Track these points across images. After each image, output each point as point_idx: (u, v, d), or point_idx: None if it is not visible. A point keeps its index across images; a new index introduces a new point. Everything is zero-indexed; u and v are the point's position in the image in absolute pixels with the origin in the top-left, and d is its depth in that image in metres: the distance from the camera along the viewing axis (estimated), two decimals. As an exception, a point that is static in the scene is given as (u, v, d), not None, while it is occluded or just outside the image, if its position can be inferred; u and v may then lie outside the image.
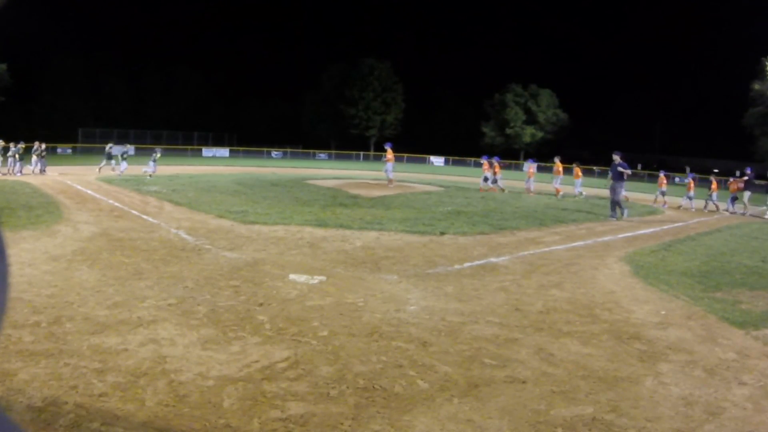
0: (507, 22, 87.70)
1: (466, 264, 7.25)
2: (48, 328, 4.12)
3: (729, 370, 4.03)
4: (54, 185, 15.54)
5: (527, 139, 58.23)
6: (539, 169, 23.05)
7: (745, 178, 18.95)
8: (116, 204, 11.75)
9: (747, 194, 18.98)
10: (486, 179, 21.29)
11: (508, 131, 58.19)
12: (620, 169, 13.95)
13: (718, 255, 9.13)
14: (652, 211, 16.73)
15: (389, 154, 20.10)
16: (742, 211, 18.64)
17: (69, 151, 40.07)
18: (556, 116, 59.54)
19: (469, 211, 13.20)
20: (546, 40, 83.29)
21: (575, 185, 20.66)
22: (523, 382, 3.63)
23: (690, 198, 19.08)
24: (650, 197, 21.20)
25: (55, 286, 5.24)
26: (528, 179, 21.48)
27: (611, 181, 14.12)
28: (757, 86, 42.64)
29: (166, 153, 42.86)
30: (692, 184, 19.26)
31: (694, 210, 18.71)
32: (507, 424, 3.07)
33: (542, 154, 58.11)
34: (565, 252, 8.62)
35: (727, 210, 18.83)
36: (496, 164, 21.36)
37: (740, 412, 3.37)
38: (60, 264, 6.17)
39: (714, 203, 19.06)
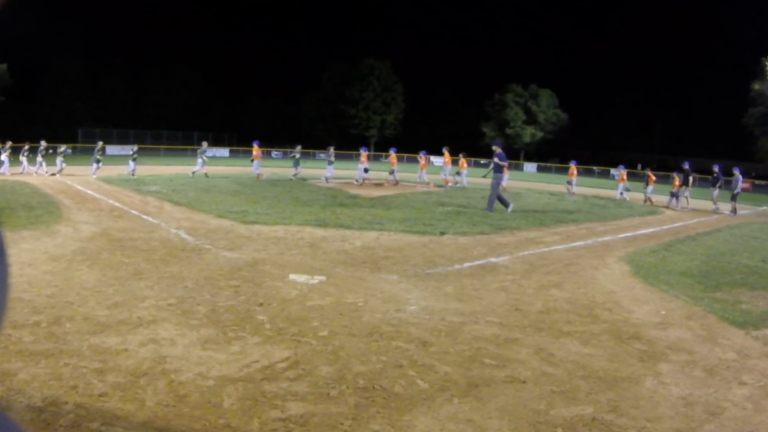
0: (507, 22, 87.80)
1: (466, 264, 7.25)
2: (48, 328, 4.12)
3: (729, 370, 4.03)
4: (54, 185, 15.54)
5: (527, 139, 58.28)
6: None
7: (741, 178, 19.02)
8: (116, 204, 11.75)
9: (688, 190, 19.32)
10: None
11: (508, 131, 58.21)
12: (496, 159, 13.71)
13: (718, 255, 9.12)
14: (652, 211, 16.73)
15: (256, 150, 20.44)
16: (679, 207, 18.81)
17: (69, 151, 40.06)
18: (556, 116, 59.59)
19: (469, 211, 13.19)
20: (546, 40, 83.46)
21: (461, 175, 21.67)
22: (523, 382, 3.63)
23: (626, 190, 20.59)
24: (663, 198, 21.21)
25: (55, 286, 5.23)
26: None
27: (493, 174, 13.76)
28: (757, 86, 42.67)
29: (166, 153, 42.99)
30: (624, 175, 21.01)
31: (628, 199, 20.00)
32: (507, 424, 3.07)
33: (542, 154, 58.17)
34: (565, 252, 8.62)
35: (678, 206, 19.07)
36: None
37: (740, 412, 3.37)
38: (60, 264, 6.17)
39: (647, 195, 20.19)
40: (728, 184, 19.38)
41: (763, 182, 38.31)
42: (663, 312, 5.46)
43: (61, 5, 53.50)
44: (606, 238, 10.39)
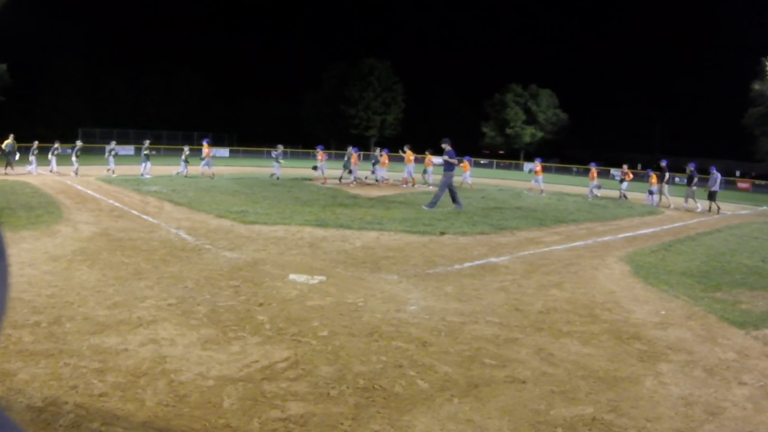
0: (507, 22, 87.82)
1: (466, 264, 7.25)
2: (48, 328, 4.12)
3: (729, 370, 4.03)
4: (54, 185, 15.53)
5: (527, 139, 58.25)
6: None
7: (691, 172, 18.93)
8: (116, 204, 11.75)
9: (666, 187, 19.46)
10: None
11: (508, 131, 58.21)
12: (445, 157, 13.66)
13: (718, 255, 9.12)
14: (652, 211, 16.73)
15: (206, 148, 20.59)
16: (656, 203, 19.10)
17: (69, 151, 40.06)
18: (556, 116, 59.56)
19: (469, 211, 13.19)
20: (546, 40, 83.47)
21: (426, 173, 21.51)
22: (523, 382, 3.63)
23: (598, 187, 21.01)
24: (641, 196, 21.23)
25: (55, 286, 5.24)
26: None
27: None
28: (757, 86, 42.64)
29: (166, 153, 43.01)
30: (595, 173, 21.20)
31: (599, 195, 20.48)
32: (507, 424, 3.07)
33: (542, 154, 58.13)
34: (565, 252, 8.62)
35: (651, 202, 19.32)
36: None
37: (740, 412, 3.37)
38: (60, 264, 6.17)
39: (623, 191, 20.42)
40: (707, 183, 19.23)
41: (763, 182, 38.27)
42: (663, 312, 5.46)
43: (61, 5, 53.55)
44: (606, 238, 10.39)
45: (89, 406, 3.00)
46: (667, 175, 19.51)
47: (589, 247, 9.20)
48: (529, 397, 3.41)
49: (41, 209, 10.31)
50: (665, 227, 13.09)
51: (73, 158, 19.61)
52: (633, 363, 4.09)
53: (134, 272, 5.96)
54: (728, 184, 40.15)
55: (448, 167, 13.57)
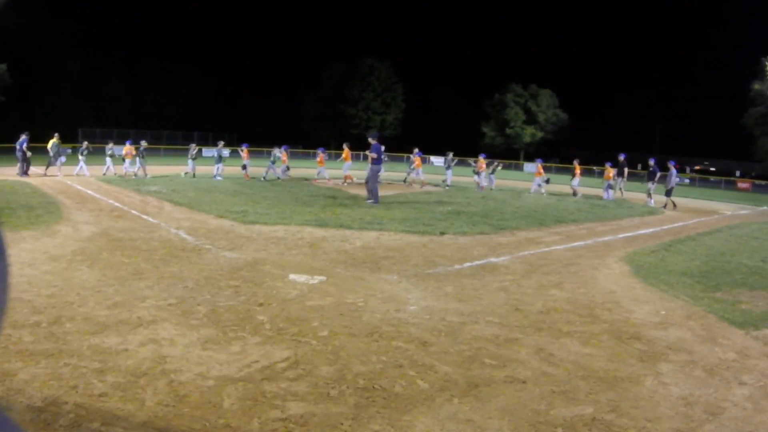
0: (507, 22, 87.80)
1: (466, 264, 7.25)
2: (48, 328, 4.12)
3: (729, 370, 4.03)
4: (54, 185, 15.53)
5: (527, 139, 58.24)
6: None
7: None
8: (116, 204, 11.75)
9: (620, 180, 19.76)
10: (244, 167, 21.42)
11: (508, 131, 58.20)
12: (368, 151, 14.02)
13: (718, 255, 9.12)
14: (652, 211, 16.72)
15: (127, 149, 20.46)
16: (610, 197, 19.45)
17: (69, 151, 40.01)
18: (556, 116, 59.53)
19: (469, 211, 13.20)
20: (546, 40, 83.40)
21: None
22: (523, 382, 3.63)
23: (539, 184, 20.87)
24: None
25: (55, 286, 5.24)
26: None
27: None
28: (757, 86, 42.63)
29: (166, 153, 43.00)
30: (541, 169, 21.25)
31: (544, 192, 20.41)
32: (507, 424, 3.07)
33: (542, 154, 58.19)
34: (565, 252, 8.62)
35: (608, 197, 19.57)
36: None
37: (740, 412, 3.37)
38: (60, 264, 6.17)
39: (574, 188, 20.52)
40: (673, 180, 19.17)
41: (763, 182, 38.27)
42: (663, 312, 5.46)
43: (61, 5, 53.48)
44: (606, 238, 10.39)
45: (89, 406, 3.00)
46: (626, 170, 19.74)
47: (589, 247, 9.20)
48: (529, 397, 3.41)
49: (41, 209, 10.31)
50: (665, 227, 13.09)
51: (128, 161, 19.70)
52: (633, 363, 4.09)
53: (134, 272, 5.96)
54: (728, 184, 40.19)
55: (375, 161, 14.06)
